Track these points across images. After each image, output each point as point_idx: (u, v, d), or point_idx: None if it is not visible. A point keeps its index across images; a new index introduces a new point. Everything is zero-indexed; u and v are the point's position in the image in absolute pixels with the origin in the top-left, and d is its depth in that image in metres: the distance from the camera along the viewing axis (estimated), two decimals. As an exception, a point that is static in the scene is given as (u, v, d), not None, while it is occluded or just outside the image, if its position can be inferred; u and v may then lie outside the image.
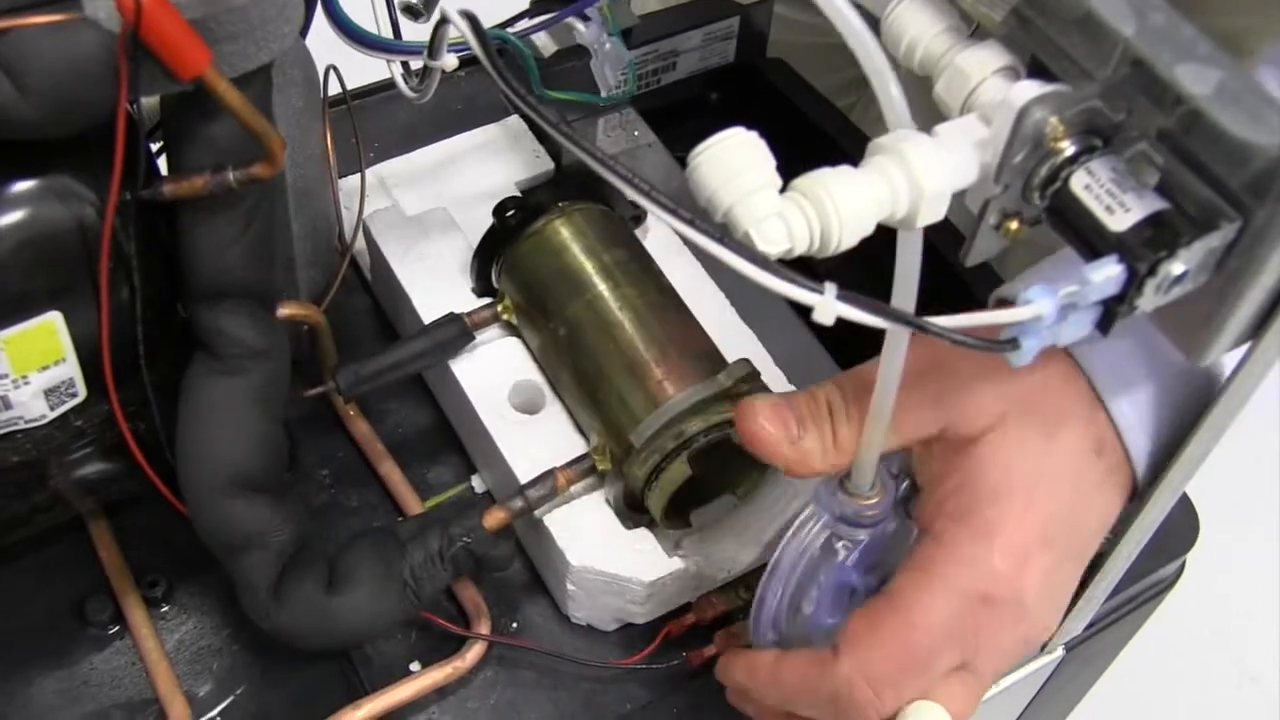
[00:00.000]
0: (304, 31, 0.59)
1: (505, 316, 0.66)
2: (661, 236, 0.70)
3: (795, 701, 0.52)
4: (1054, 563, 0.50)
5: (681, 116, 0.82)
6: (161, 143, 0.50)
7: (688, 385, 0.59)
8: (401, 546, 0.57)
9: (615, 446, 0.60)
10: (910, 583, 0.50)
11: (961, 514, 0.49)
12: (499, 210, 0.65)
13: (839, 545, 0.51)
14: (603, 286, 0.63)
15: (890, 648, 0.49)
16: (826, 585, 0.52)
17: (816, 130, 0.81)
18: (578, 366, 0.62)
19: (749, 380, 0.59)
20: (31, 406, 0.50)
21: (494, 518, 0.58)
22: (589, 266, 0.64)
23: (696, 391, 0.59)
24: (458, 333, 0.65)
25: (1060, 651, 0.63)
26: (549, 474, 0.60)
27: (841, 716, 0.50)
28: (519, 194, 0.72)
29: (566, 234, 0.65)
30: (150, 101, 0.47)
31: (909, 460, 0.52)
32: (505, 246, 0.66)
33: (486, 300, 0.67)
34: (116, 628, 0.61)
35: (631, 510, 0.61)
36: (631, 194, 0.37)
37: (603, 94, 0.71)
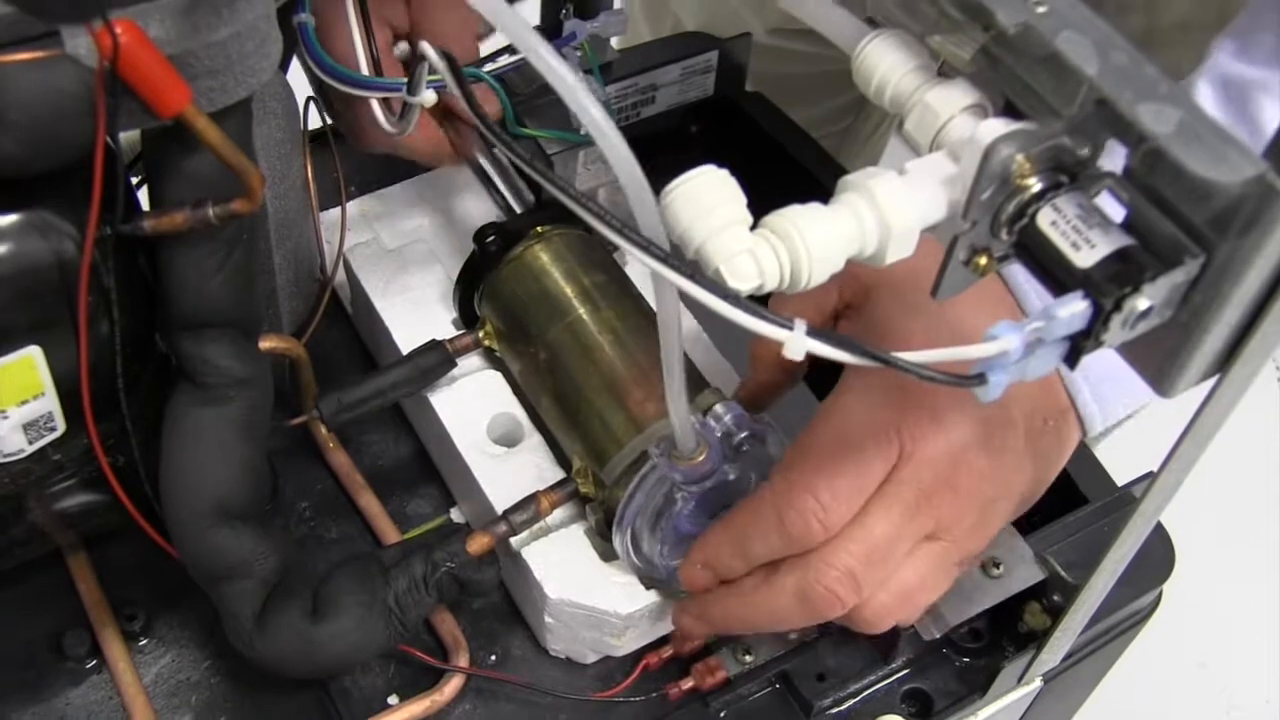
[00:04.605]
0: (284, 65, 0.60)
1: (487, 342, 0.66)
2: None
3: (748, 539, 0.53)
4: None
5: (661, 149, 0.82)
6: (142, 175, 0.51)
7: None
8: (385, 573, 0.57)
9: (597, 469, 0.60)
10: (827, 401, 0.53)
11: (870, 328, 0.53)
12: (479, 236, 0.66)
13: (678, 496, 0.56)
14: (583, 310, 0.64)
15: (815, 452, 0.51)
16: (667, 530, 0.57)
17: (794, 163, 0.82)
18: (559, 390, 0.63)
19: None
20: (10, 440, 0.50)
21: (477, 542, 0.58)
22: (569, 290, 0.64)
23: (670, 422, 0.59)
24: (440, 359, 0.65)
25: (1038, 683, 0.64)
26: (532, 498, 0.60)
27: (790, 535, 0.51)
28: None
29: (546, 258, 0.65)
30: (131, 134, 0.47)
31: (745, 414, 0.56)
32: (486, 272, 0.66)
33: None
34: (94, 661, 0.61)
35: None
36: (606, 232, 0.37)
37: (578, 131, 0.72)
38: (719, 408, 0.56)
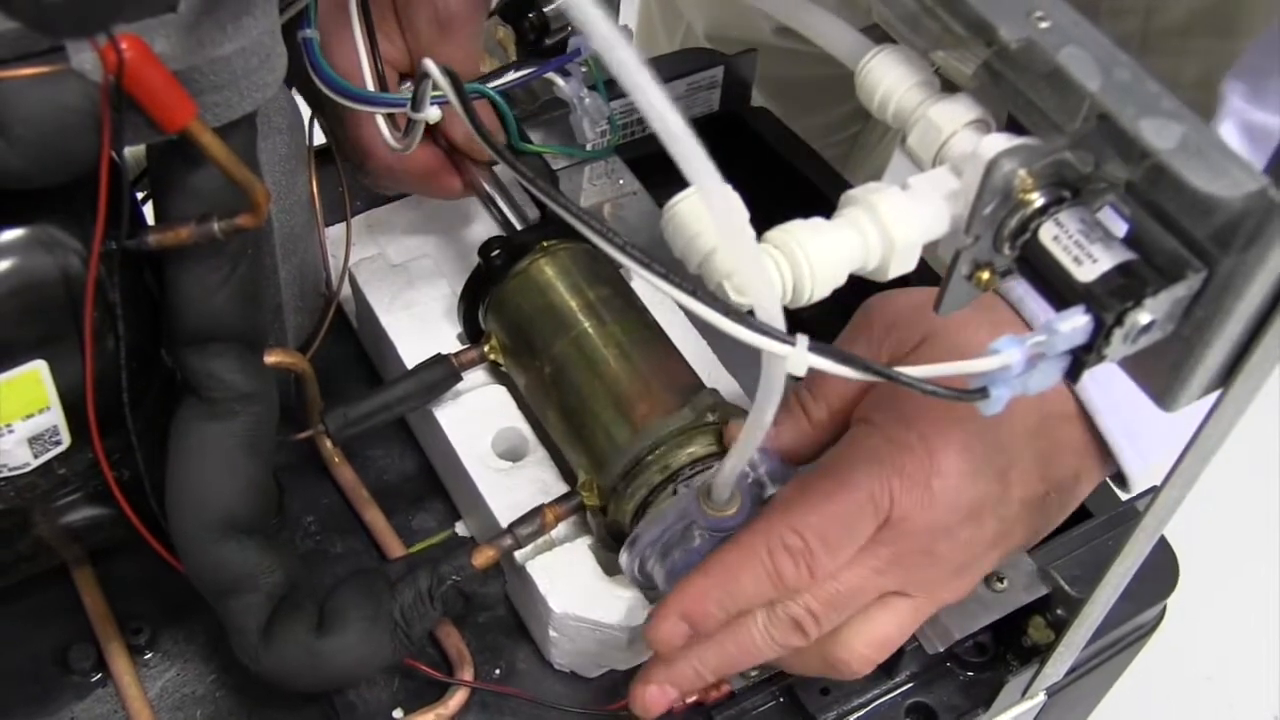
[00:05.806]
0: (290, 81, 0.60)
1: (492, 357, 0.66)
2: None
3: (737, 580, 0.53)
4: (970, 469, 0.52)
5: (666, 164, 0.82)
6: (147, 190, 0.51)
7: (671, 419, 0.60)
8: (391, 586, 0.57)
9: (602, 482, 0.60)
10: (836, 452, 0.54)
11: (887, 403, 0.53)
12: (484, 250, 0.66)
13: (696, 533, 0.56)
14: (587, 323, 0.64)
15: (812, 498, 0.52)
16: (679, 562, 0.56)
17: (800, 177, 0.82)
18: (563, 403, 0.63)
19: (715, 410, 0.60)
20: (15, 454, 0.50)
21: (483, 556, 0.58)
22: (574, 304, 0.64)
23: (668, 422, 0.59)
24: (445, 374, 0.65)
25: (1042, 697, 0.64)
26: (537, 511, 0.60)
27: (778, 573, 0.52)
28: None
29: (551, 272, 0.65)
30: (136, 148, 0.47)
31: (780, 465, 0.56)
32: (491, 286, 0.66)
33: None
34: (99, 675, 0.61)
35: (619, 545, 0.61)
36: (608, 249, 0.37)
37: (583, 147, 0.72)
38: (756, 455, 0.56)
